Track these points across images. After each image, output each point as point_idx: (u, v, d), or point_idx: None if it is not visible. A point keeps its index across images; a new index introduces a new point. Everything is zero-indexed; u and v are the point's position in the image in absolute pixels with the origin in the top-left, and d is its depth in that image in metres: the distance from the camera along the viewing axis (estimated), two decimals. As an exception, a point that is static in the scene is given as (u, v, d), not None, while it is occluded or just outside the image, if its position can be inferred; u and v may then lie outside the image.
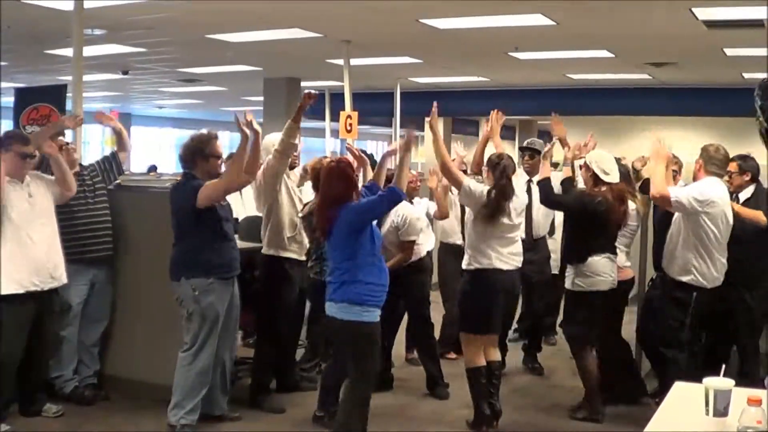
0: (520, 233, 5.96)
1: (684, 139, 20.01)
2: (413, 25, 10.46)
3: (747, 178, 6.33)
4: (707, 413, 2.77)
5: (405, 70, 15.33)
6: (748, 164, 6.37)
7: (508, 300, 5.83)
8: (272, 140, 6.00)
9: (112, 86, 19.16)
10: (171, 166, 25.95)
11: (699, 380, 2.86)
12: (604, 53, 12.59)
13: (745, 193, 6.31)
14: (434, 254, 7.29)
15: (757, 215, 6.00)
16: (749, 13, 8.92)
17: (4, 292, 5.32)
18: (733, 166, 6.27)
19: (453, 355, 7.52)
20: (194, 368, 5.45)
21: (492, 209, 5.54)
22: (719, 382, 2.79)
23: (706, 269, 5.60)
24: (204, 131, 5.75)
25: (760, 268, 6.15)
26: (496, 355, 5.83)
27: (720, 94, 15.84)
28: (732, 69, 13.54)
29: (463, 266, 5.75)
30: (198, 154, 5.51)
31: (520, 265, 5.78)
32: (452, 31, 10.86)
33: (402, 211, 6.26)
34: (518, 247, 5.76)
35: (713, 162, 5.72)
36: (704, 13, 9.27)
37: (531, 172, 7.13)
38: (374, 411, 5.96)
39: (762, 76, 11.77)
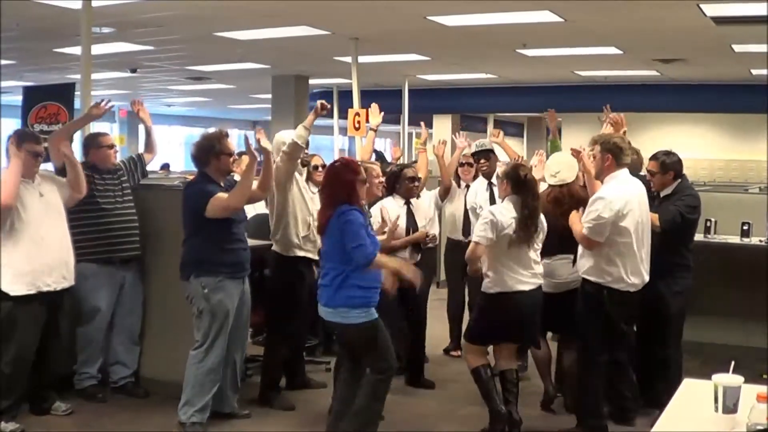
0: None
1: (692, 135, 20.04)
2: (421, 23, 10.46)
3: (670, 176, 6.02)
4: (716, 410, 2.77)
5: (413, 67, 15.33)
6: (671, 161, 6.03)
7: (529, 317, 5.58)
8: (283, 138, 6.02)
9: (120, 84, 19.18)
10: (180, 164, 26.01)
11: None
12: (612, 50, 12.57)
13: (667, 191, 6.03)
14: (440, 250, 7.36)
15: (653, 218, 5.68)
16: (757, 9, 8.90)
17: (16, 293, 5.36)
18: (653, 165, 6.03)
19: (458, 353, 7.54)
20: (204, 366, 5.47)
21: (524, 233, 5.37)
22: (728, 378, 2.78)
23: (618, 270, 5.31)
24: (215, 129, 5.79)
25: (673, 261, 5.95)
26: (511, 364, 5.74)
27: (728, 90, 15.84)
28: (740, 65, 13.51)
29: (483, 289, 5.57)
30: (210, 153, 5.54)
31: (541, 281, 5.58)
32: (460, 28, 10.86)
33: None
34: (536, 261, 5.56)
35: (625, 152, 5.42)
36: (712, 9, 9.25)
37: (489, 174, 7.20)
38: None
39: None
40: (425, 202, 6.80)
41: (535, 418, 5.98)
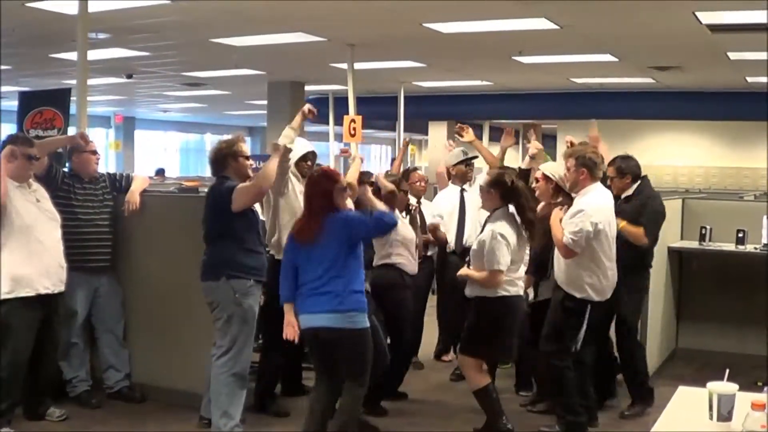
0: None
1: (687, 143, 20.08)
2: (417, 29, 10.47)
3: (628, 180, 6.17)
4: (711, 418, 2.77)
5: (409, 74, 15.34)
6: (628, 166, 6.18)
7: (518, 321, 5.65)
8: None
9: (116, 90, 19.17)
10: (175, 170, 25.99)
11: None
12: (608, 57, 12.59)
13: (627, 193, 6.17)
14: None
15: (639, 235, 5.96)
16: (752, 17, 8.92)
17: (16, 295, 5.36)
18: (611, 171, 6.13)
19: (448, 357, 7.54)
20: (232, 371, 5.44)
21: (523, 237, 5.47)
22: (723, 386, 2.78)
23: (598, 282, 5.46)
24: (231, 136, 5.85)
25: (632, 260, 6.01)
26: None
27: (723, 97, 15.86)
28: (735, 73, 13.54)
29: (483, 294, 5.53)
30: (229, 156, 5.60)
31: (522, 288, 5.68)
32: (456, 35, 10.86)
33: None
34: (522, 269, 5.63)
35: (599, 167, 5.54)
36: (708, 17, 9.27)
37: (463, 180, 7.26)
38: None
39: (765, 80, 11.79)
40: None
41: (516, 416, 6.00)
